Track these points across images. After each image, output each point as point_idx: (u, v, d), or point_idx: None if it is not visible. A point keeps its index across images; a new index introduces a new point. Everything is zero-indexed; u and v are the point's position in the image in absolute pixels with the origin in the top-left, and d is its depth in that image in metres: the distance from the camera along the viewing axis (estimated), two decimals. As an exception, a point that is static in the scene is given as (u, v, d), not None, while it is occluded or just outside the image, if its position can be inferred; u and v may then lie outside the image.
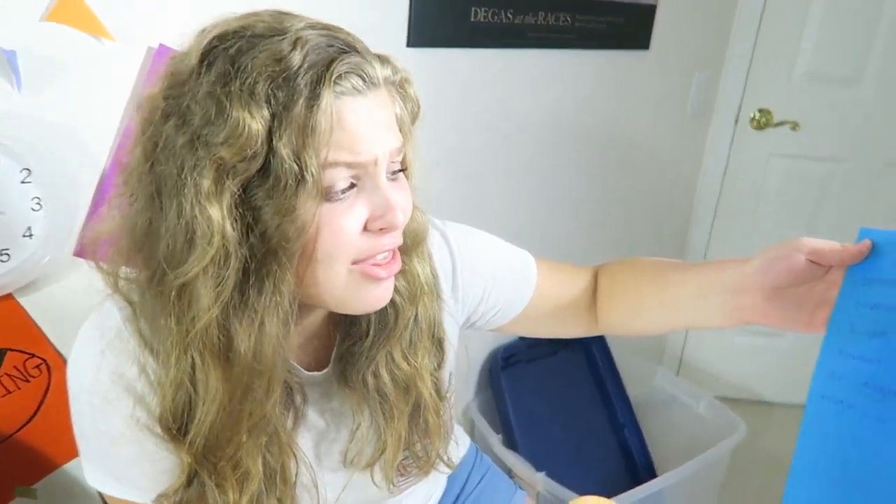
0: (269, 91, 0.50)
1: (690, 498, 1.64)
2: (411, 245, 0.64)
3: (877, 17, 1.91)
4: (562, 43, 1.57)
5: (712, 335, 2.30)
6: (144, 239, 0.55)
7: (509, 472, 1.61)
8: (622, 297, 0.77)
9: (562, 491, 1.43)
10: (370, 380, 0.65)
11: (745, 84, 2.01)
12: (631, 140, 1.90)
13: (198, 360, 0.54)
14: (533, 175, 1.68)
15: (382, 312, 0.64)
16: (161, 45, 0.95)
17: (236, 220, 0.51)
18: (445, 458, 0.74)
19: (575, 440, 1.80)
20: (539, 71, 1.57)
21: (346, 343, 0.67)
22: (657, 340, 2.34)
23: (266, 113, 0.50)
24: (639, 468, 1.80)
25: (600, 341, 1.87)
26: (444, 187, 1.45)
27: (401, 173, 0.60)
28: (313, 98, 0.50)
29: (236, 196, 0.51)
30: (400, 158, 0.59)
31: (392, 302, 0.64)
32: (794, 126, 2.02)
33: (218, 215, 0.50)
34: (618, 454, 1.84)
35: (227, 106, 0.50)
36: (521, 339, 1.76)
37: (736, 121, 2.05)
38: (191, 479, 0.59)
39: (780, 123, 2.02)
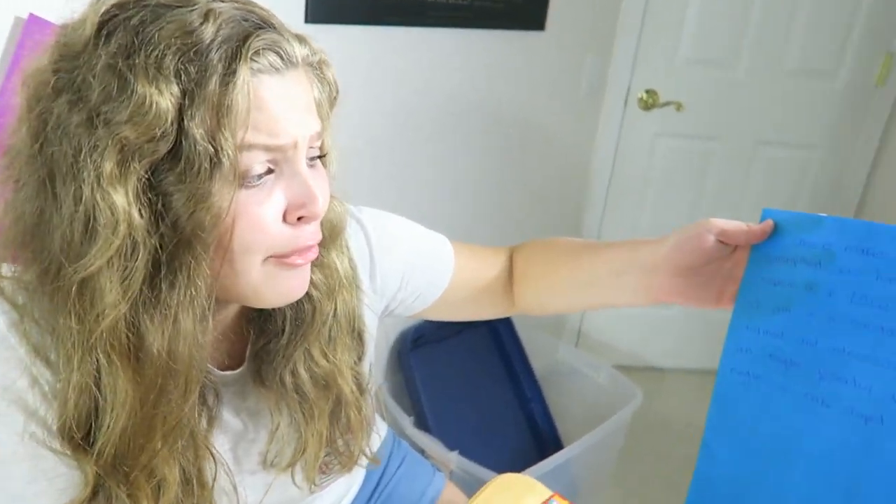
0: (179, 65, 0.46)
1: (593, 464, 1.71)
2: (329, 237, 0.62)
3: (749, 3, 2.04)
4: (460, 22, 1.57)
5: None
6: (34, 230, 0.50)
7: (422, 454, 1.62)
8: (538, 278, 0.77)
9: (474, 468, 1.45)
10: (288, 379, 0.62)
11: (633, 66, 2.08)
12: (527, 120, 1.93)
13: (104, 362, 0.50)
14: (430, 156, 1.68)
15: (299, 308, 0.61)
16: (31, 16, 0.86)
17: (144, 207, 0.47)
18: (369, 452, 0.72)
19: (485, 417, 1.83)
20: (438, 50, 1.56)
21: (261, 340, 0.63)
22: (556, 316, 2.41)
23: (176, 89, 0.46)
24: (546, 440, 1.86)
25: (505, 318, 1.90)
26: (342, 170, 1.41)
27: (318, 160, 0.57)
28: (228, 75, 0.46)
29: (144, 180, 0.47)
30: (319, 144, 0.57)
31: (309, 297, 0.61)
32: (679, 106, 2.13)
33: (123, 201, 0.46)
34: (525, 428, 1.89)
35: (131, 80, 0.45)
36: (428, 320, 1.76)
37: (625, 102, 2.13)
38: (96, 491, 0.55)
39: (666, 104, 2.12)
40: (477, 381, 1.85)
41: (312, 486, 0.68)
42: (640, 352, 2.43)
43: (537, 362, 1.93)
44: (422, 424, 1.63)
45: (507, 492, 0.86)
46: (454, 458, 1.47)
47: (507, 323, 1.91)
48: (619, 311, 2.41)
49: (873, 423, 0.50)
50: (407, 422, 1.56)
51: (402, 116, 1.54)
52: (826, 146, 2.25)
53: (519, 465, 1.49)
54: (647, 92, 2.12)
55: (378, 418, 1.02)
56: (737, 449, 0.56)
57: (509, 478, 0.89)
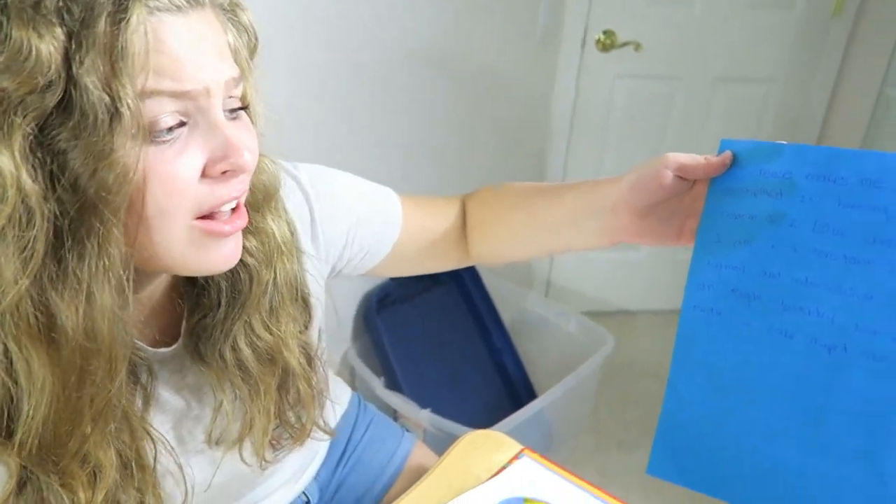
0: (61, 4, 0.40)
1: (568, 411, 1.71)
2: (262, 200, 0.57)
3: (704, -65, 1.98)
4: (407, -34, 1.49)
5: (574, 254, 2.39)
6: None
7: (394, 414, 1.60)
8: (493, 225, 0.74)
9: (447, 425, 1.44)
10: (228, 354, 0.58)
11: (589, 6, 2.03)
12: (483, 67, 1.87)
13: (13, 346, 0.45)
14: (380, 108, 1.62)
15: (235, 279, 0.57)
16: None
17: (35, 169, 0.42)
18: (322, 423, 0.69)
19: (457, 372, 1.82)
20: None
21: (197, 315, 0.59)
22: (525, 264, 2.40)
23: (59, 32, 0.40)
24: (519, 391, 1.86)
25: (472, 271, 1.88)
26: (282, 126, 1.34)
27: (242, 112, 0.52)
28: (120, 12, 0.41)
29: (31, 138, 0.42)
30: (239, 94, 0.51)
31: (245, 266, 0.56)
32: (637, 46, 2.08)
33: (9, 163, 0.41)
34: (498, 380, 1.88)
35: (3, 24, 0.40)
36: (393, 279, 1.73)
37: (583, 43, 2.07)
38: (23, 483, 0.50)
39: (624, 44, 2.08)
40: (447, 336, 1.83)
41: (263, 462, 0.65)
42: (609, 297, 2.43)
43: (507, 314, 1.92)
44: (393, 385, 1.61)
45: (477, 449, 0.84)
46: (427, 417, 1.45)
47: (474, 277, 1.88)
48: (587, 258, 2.40)
49: (837, 352, 0.50)
50: (377, 383, 1.54)
51: (346, 68, 1.47)
52: (785, 79, 2.23)
53: (494, 418, 1.49)
54: (605, 33, 2.06)
55: (340, 385, 0.99)
56: (702, 386, 0.55)
57: (478, 434, 0.87)
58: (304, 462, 0.84)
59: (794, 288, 0.51)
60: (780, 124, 2.29)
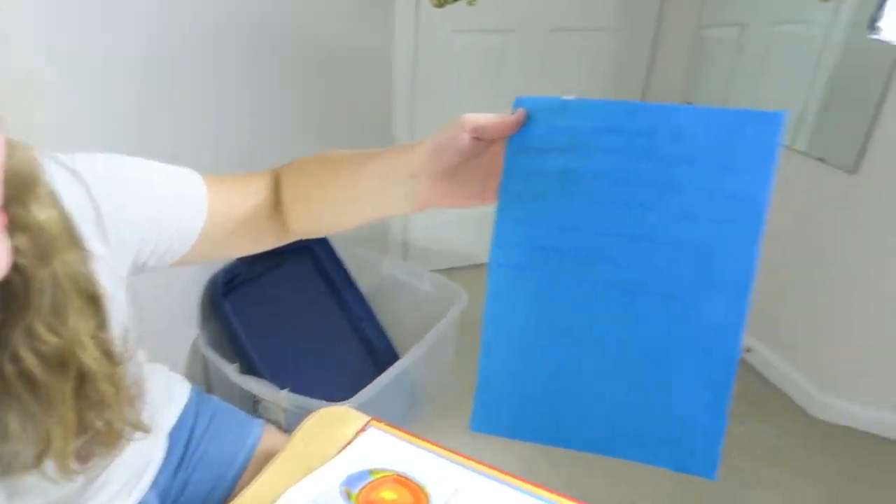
0: None
1: (431, 368, 1.74)
2: (21, 191, 0.50)
3: None
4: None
5: (424, 214, 2.39)
6: None
7: (254, 399, 1.55)
8: (307, 198, 0.71)
9: (308, 402, 1.41)
10: (8, 367, 0.51)
11: (417, -40, 1.99)
12: (317, 32, 1.80)
13: None
14: (208, 81, 1.51)
15: (6, 283, 0.50)
16: None
17: None
18: (137, 422, 0.63)
19: (317, 346, 1.78)
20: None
21: None
22: (380, 229, 2.38)
23: None
24: (382, 356, 1.85)
25: (323, 242, 1.83)
26: (79, 110, 1.21)
27: None
28: None
29: None
30: None
31: (16, 267, 0.50)
32: (471, 1, 2.08)
33: None
34: (361, 349, 1.87)
35: None
36: (239, 258, 1.65)
37: (417, 0, 2.04)
38: None
39: (456, -2, 2.07)
40: (303, 312, 1.78)
41: (73, 478, 0.59)
42: (466, 251, 2.48)
43: (363, 281, 1.90)
44: (250, 369, 1.55)
45: (323, 427, 0.82)
46: (285, 397, 1.42)
47: (326, 247, 1.84)
48: (440, 216, 2.42)
49: (632, 295, 0.52)
50: (230, 370, 1.48)
51: (148, 43, 1.34)
52: (614, 28, 2.32)
53: (359, 386, 1.48)
54: (437, -13, 2.04)
55: (177, 381, 0.93)
56: (515, 339, 0.56)
57: (324, 412, 0.86)
58: (138, 470, 0.79)
59: (592, 238, 0.53)
60: (612, 71, 2.39)
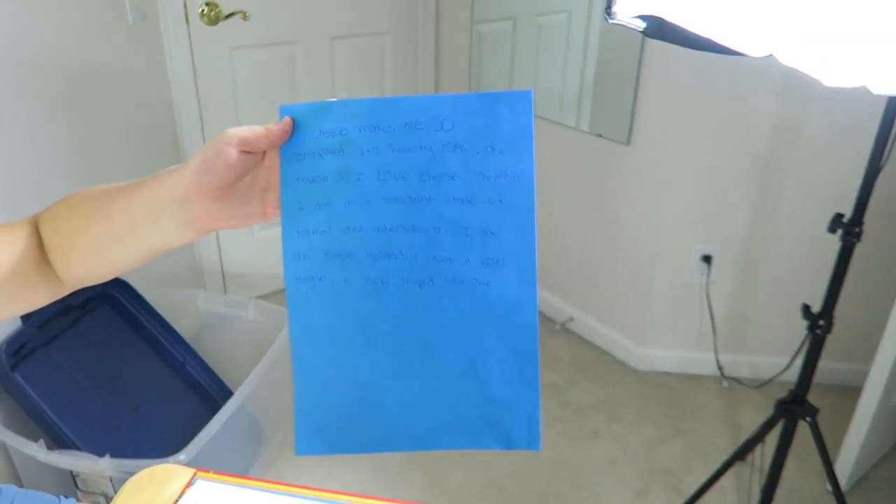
0: None
1: (270, 396, 1.67)
2: None
3: None
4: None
5: (238, 240, 2.30)
6: None
7: (73, 475, 1.39)
8: (73, 243, 0.63)
9: (137, 465, 1.29)
10: None
11: (180, -22, 1.89)
12: (80, 64, 1.64)
13: None
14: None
15: None
16: None
17: None
18: None
19: (140, 401, 1.64)
20: None
21: None
22: (191, 265, 2.24)
23: None
24: (215, 396, 1.75)
25: (126, 288, 1.69)
26: None
27: None
28: None
29: None
30: None
31: None
32: (245, 15, 2.02)
33: None
34: (190, 392, 1.75)
35: None
36: (27, 322, 1.47)
37: (186, 19, 1.94)
38: None
39: (231, 15, 1.99)
40: (118, 367, 1.63)
41: None
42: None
43: (180, 322, 1.77)
44: (59, 443, 1.39)
45: (143, 491, 0.75)
46: (108, 465, 1.29)
47: (130, 293, 1.70)
48: (252, 242, 2.34)
49: (426, 286, 0.53)
50: (35, 448, 1.31)
51: None
52: (394, 31, 2.37)
53: (195, 432, 1.38)
54: (208, 5, 1.95)
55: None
56: (323, 352, 0.55)
57: (143, 475, 0.78)
58: None
59: (376, 237, 0.53)
60: (401, 71, 2.44)
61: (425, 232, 0.53)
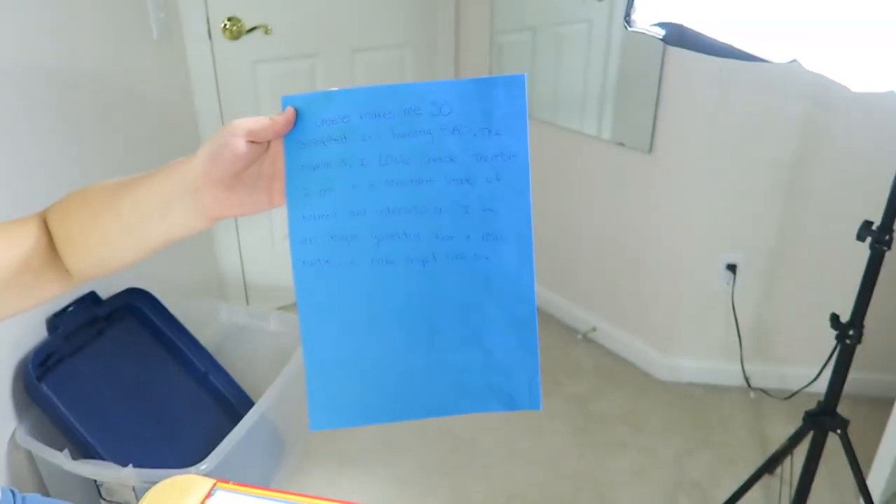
0: None
1: (291, 408, 1.67)
2: None
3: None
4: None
5: (260, 251, 2.32)
6: None
7: (97, 484, 1.40)
8: (84, 236, 0.64)
9: (159, 475, 1.30)
10: None
11: (204, -6, 1.92)
12: (106, 80, 1.67)
13: None
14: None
15: None
16: None
17: None
18: None
19: (163, 411, 1.65)
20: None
21: None
22: (214, 276, 2.26)
23: None
24: (237, 407, 1.76)
25: (151, 300, 1.70)
26: None
27: None
28: None
29: None
30: None
31: None
32: (267, 30, 2.05)
33: None
34: (212, 403, 1.76)
35: None
36: (53, 333, 1.49)
37: (209, 34, 1.97)
38: None
39: (253, 29, 2.02)
40: (140, 377, 1.64)
41: None
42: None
43: (203, 333, 1.79)
44: (85, 453, 1.40)
45: (165, 500, 0.75)
46: (131, 474, 1.30)
47: (155, 305, 1.71)
48: (276, 250, 2.35)
49: (430, 263, 0.56)
50: (61, 457, 1.33)
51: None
52: (414, 43, 2.38)
53: (217, 442, 1.39)
54: (230, 20, 1.98)
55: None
56: (332, 332, 0.58)
57: (163, 485, 0.79)
58: None
59: (381, 219, 0.56)
60: (421, 80, 2.45)
61: (427, 212, 0.55)
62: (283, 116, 0.55)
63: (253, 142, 0.56)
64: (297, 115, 0.56)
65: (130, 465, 1.30)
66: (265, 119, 0.55)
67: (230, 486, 0.76)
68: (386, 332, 0.57)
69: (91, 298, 1.59)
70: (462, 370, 0.57)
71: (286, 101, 0.56)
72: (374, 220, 0.55)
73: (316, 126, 0.55)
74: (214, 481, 0.78)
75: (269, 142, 0.57)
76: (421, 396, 0.58)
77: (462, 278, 0.55)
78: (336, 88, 0.55)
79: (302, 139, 0.56)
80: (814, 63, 0.90)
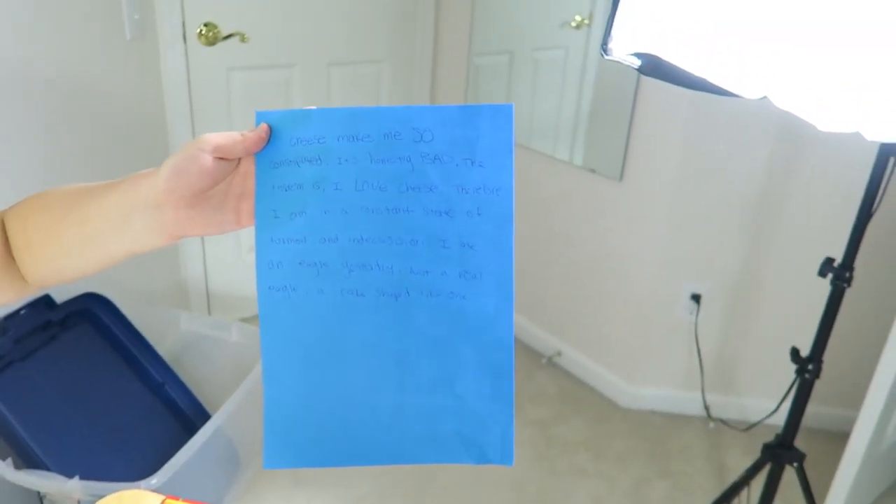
0: None
1: (250, 420, 1.63)
2: None
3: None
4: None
5: (225, 261, 2.28)
6: None
7: (41, 497, 1.35)
8: (42, 244, 0.61)
9: (107, 488, 1.25)
10: None
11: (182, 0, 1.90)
12: (74, 77, 1.64)
13: None
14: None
15: None
16: None
17: None
18: None
19: (114, 422, 1.59)
20: None
21: None
22: (177, 285, 2.21)
23: None
24: (192, 419, 1.71)
25: (108, 306, 1.66)
26: None
27: None
28: None
29: None
30: None
31: None
32: (243, 38, 2.03)
33: None
34: (167, 415, 1.71)
35: None
36: (3, 336, 1.44)
37: (184, 38, 1.94)
38: None
39: (229, 36, 2.00)
40: (92, 385, 1.59)
41: None
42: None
43: (161, 342, 1.74)
44: (29, 462, 1.35)
45: (110, 517, 0.72)
46: (77, 487, 1.24)
47: (112, 311, 1.66)
48: (242, 261, 2.31)
49: (402, 298, 0.52)
50: (3, 467, 1.27)
51: None
52: (391, 59, 2.38)
53: (171, 455, 1.34)
54: (206, 25, 1.96)
55: None
56: (296, 364, 0.54)
57: (111, 498, 0.75)
58: None
59: (353, 248, 0.52)
60: (396, 99, 2.45)
61: (402, 244, 0.52)
62: (256, 133, 0.52)
63: (222, 158, 0.52)
64: (271, 132, 0.53)
65: (77, 477, 1.25)
66: (236, 134, 0.52)
67: (179, 502, 0.74)
68: (352, 369, 0.54)
69: (45, 302, 1.54)
70: (431, 416, 0.53)
71: (260, 117, 0.53)
72: (345, 248, 0.52)
73: (290, 145, 0.52)
74: (164, 497, 0.75)
75: (239, 159, 0.54)
76: (385, 441, 0.54)
77: (435, 317, 0.52)
78: (313, 107, 0.53)
79: (275, 158, 0.53)
80: (783, 101, 0.92)
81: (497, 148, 0.50)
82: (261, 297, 0.54)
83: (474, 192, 0.51)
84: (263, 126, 0.53)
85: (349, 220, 0.52)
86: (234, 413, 1.50)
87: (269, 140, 0.53)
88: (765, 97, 0.95)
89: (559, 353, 2.35)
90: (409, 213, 0.51)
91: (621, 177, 2.00)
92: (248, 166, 0.54)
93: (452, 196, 0.51)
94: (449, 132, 0.51)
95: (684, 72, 0.98)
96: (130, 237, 0.55)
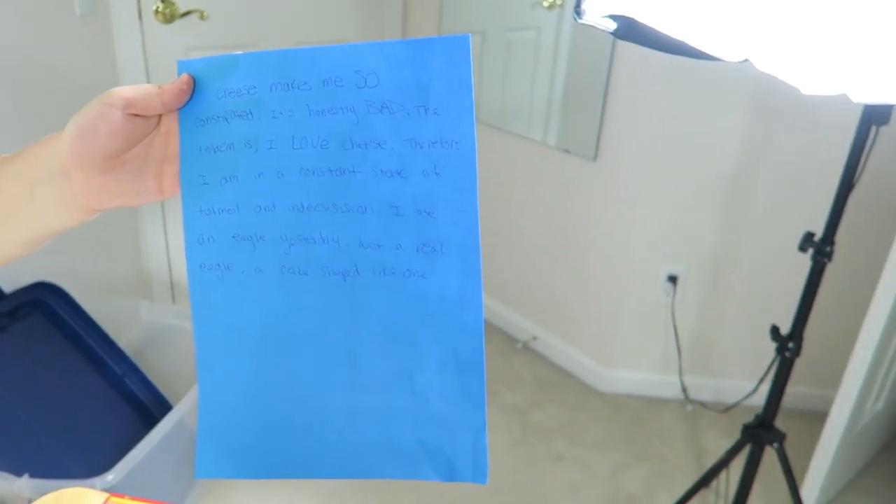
0: None
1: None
2: None
3: None
4: None
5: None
6: None
7: (-14, 495, 1.27)
8: None
9: (58, 485, 1.18)
10: None
11: (136, -27, 1.81)
12: (23, 54, 1.54)
13: None
14: None
15: None
16: None
17: None
18: None
19: (70, 418, 1.52)
20: None
21: None
22: (138, 274, 2.13)
23: None
24: (154, 411, 1.64)
25: (61, 296, 1.57)
26: None
27: None
28: None
29: None
30: None
31: None
32: (202, 15, 1.94)
33: None
34: (126, 408, 1.63)
35: None
36: (-53, 330, 1.35)
37: (140, 15, 1.85)
38: None
39: (187, 13, 1.91)
40: (47, 379, 1.51)
41: None
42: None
43: (121, 333, 1.67)
44: (-25, 460, 1.27)
45: (47, 517, 0.66)
46: (25, 485, 1.17)
47: (67, 301, 1.58)
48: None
49: (351, 277, 0.45)
50: (-55, 467, 1.19)
51: None
52: (360, 39, 2.31)
53: (129, 447, 1.28)
54: (164, 2, 1.87)
55: None
56: (233, 357, 0.47)
57: (49, 499, 0.69)
58: None
59: (292, 218, 0.45)
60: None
61: (349, 212, 0.44)
62: (175, 84, 0.44)
63: (136, 115, 0.45)
64: (196, 83, 0.45)
65: (26, 476, 1.18)
66: (152, 87, 0.44)
67: (126, 500, 0.67)
68: (295, 362, 0.46)
69: (-8, 292, 1.46)
70: (388, 419, 0.45)
71: (182, 67, 0.45)
72: (284, 218, 0.45)
73: (217, 98, 0.44)
74: (108, 495, 0.68)
75: (159, 116, 0.46)
76: (336, 450, 0.46)
77: (391, 299, 0.44)
78: (240, 52, 0.45)
79: (200, 114, 0.45)
80: (765, 63, 0.88)
81: (454, 90, 0.41)
82: (191, 277, 0.46)
83: (430, 146, 0.42)
84: (185, 77, 0.45)
85: (287, 185, 0.44)
86: (195, 406, 1.43)
87: (192, 93, 0.45)
88: (746, 60, 0.90)
89: (535, 338, 2.31)
90: (354, 175, 0.43)
91: (595, 157, 1.96)
92: (171, 125, 0.47)
93: (405, 152, 0.43)
94: (397, 74, 0.42)
95: (662, 34, 0.94)
96: (36, 212, 0.47)
